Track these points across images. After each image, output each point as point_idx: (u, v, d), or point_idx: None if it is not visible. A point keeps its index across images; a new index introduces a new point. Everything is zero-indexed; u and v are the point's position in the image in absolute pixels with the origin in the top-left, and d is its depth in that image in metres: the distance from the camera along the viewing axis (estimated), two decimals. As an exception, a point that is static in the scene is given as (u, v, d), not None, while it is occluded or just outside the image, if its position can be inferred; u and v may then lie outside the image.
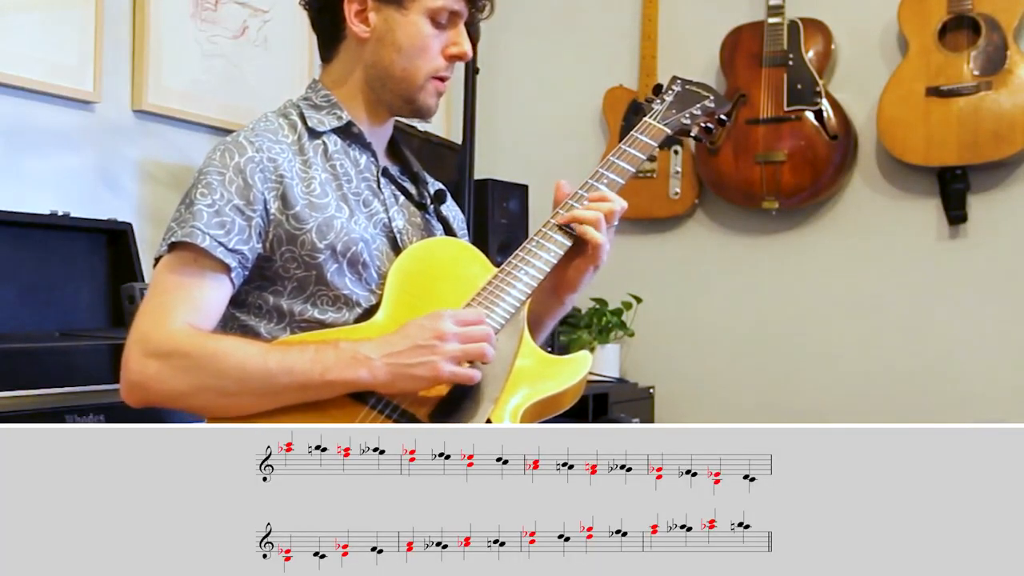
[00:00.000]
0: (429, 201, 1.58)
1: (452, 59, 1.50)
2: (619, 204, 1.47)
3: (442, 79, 1.50)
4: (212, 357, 1.29)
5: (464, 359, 1.29)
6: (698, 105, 1.60)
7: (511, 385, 1.34)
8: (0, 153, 2.28)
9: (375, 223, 1.48)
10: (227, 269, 1.36)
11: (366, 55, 1.49)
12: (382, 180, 1.52)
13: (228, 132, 1.47)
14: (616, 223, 1.48)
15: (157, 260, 1.39)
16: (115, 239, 2.37)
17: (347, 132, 1.50)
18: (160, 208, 2.56)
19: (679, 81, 1.64)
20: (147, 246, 2.43)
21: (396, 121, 1.60)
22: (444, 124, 3.43)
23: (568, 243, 1.44)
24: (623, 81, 3.40)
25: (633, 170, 1.51)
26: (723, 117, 1.63)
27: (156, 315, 1.33)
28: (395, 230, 1.49)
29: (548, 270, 1.43)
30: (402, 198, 1.55)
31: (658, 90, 1.64)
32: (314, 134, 1.47)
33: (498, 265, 1.46)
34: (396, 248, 1.48)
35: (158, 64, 2.58)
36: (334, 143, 1.48)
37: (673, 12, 3.37)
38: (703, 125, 1.61)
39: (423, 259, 1.47)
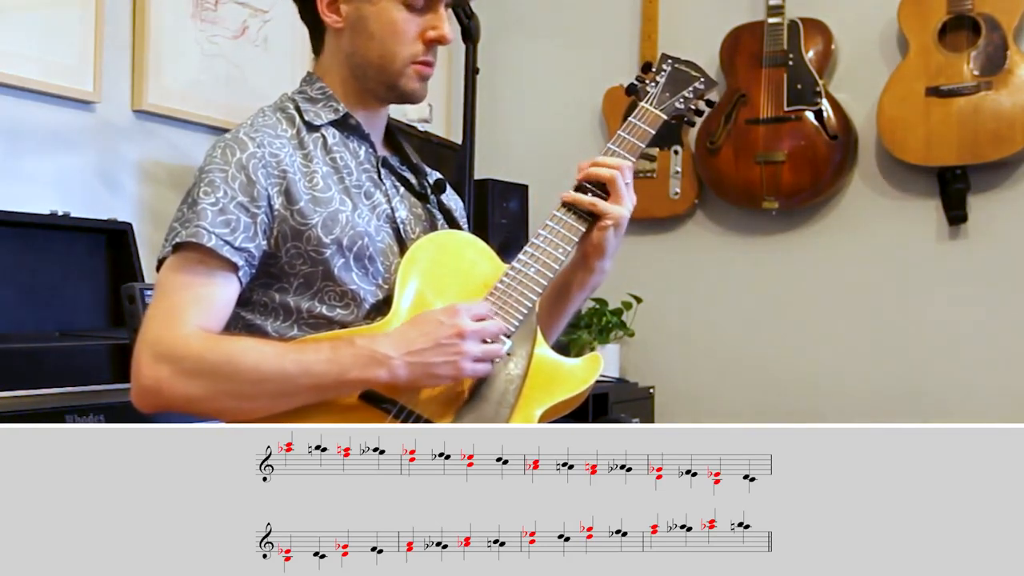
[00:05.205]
0: (430, 191, 1.57)
1: (430, 43, 1.46)
2: (626, 163, 1.47)
3: (425, 63, 1.47)
4: (226, 359, 1.27)
5: (484, 358, 1.30)
6: (690, 88, 1.58)
7: (528, 390, 1.34)
8: (0, 153, 2.28)
9: (378, 215, 1.46)
10: (235, 268, 1.34)
11: (344, 45, 1.47)
12: (382, 171, 1.51)
13: (228, 132, 1.46)
14: (630, 181, 1.47)
15: (161, 262, 1.37)
16: (115, 239, 2.37)
17: (344, 124, 1.49)
18: (160, 208, 2.56)
19: (669, 60, 1.61)
20: (147, 246, 2.43)
21: (395, 120, 1.60)
22: (444, 124, 3.43)
23: (581, 227, 1.44)
24: (623, 81, 3.35)
25: (633, 159, 1.50)
26: (712, 99, 1.62)
27: (166, 318, 1.30)
28: (399, 221, 1.48)
29: (559, 267, 1.43)
30: (402, 189, 1.54)
31: (647, 68, 1.61)
32: (312, 127, 1.46)
33: (504, 262, 1.46)
34: (400, 240, 1.47)
35: (158, 64, 2.58)
36: (332, 135, 1.47)
37: (673, 12, 3.37)
38: (695, 108, 1.60)
39: (433, 254, 1.45)
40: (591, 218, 1.45)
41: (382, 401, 1.29)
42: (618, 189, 1.45)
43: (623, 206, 1.45)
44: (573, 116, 3.51)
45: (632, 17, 3.43)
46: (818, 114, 3.06)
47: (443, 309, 1.31)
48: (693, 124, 1.66)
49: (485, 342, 1.30)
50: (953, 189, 2.95)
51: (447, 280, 1.43)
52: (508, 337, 1.35)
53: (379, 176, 1.50)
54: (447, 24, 1.47)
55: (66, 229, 2.29)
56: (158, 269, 1.38)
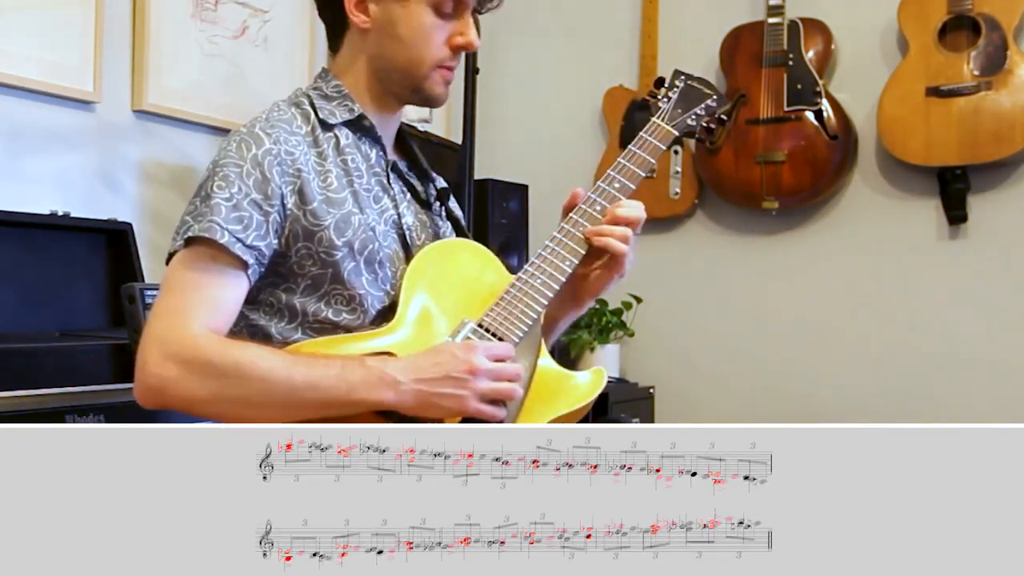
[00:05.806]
0: (435, 199, 1.57)
1: (457, 49, 1.46)
2: (640, 213, 1.50)
3: (448, 68, 1.47)
4: (235, 366, 1.26)
5: (492, 397, 1.29)
6: (702, 105, 1.58)
7: (530, 402, 1.34)
8: (0, 153, 2.28)
9: (385, 219, 1.45)
10: (245, 266, 1.33)
11: (369, 46, 1.46)
12: (391, 175, 1.50)
13: (228, 132, 1.45)
14: (639, 230, 1.50)
15: (171, 255, 1.35)
16: (115, 239, 2.37)
17: (358, 125, 1.48)
18: (160, 208, 2.56)
19: (682, 77, 1.61)
20: (147, 246, 2.43)
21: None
22: (444, 124, 3.43)
23: (582, 251, 1.45)
24: (623, 81, 3.39)
25: (643, 174, 1.51)
26: (723, 116, 1.62)
27: (175, 316, 1.29)
28: (405, 227, 1.47)
29: (564, 279, 1.42)
30: (409, 194, 1.53)
31: (659, 83, 1.60)
32: (326, 126, 1.45)
33: (508, 268, 1.46)
34: (405, 245, 1.46)
35: (158, 64, 2.58)
36: (345, 136, 1.46)
37: (673, 12, 3.37)
38: (706, 125, 1.60)
39: (439, 262, 1.44)
40: (595, 251, 1.47)
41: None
42: (622, 262, 1.49)
43: (625, 269, 1.50)
44: (573, 116, 3.52)
45: (632, 17, 3.43)
46: (818, 114, 3.06)
47: (462, 344, 1.31)
48: (702, 140, 1.67)
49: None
50: (953, 189, 2.95)
51: (452, 289, 1.42)
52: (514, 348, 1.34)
53: (388, 181, 1.49)
54: (473, 30, 1.47)
55: (66, 229, 2.29)
56: (167, 262, 1.36)
